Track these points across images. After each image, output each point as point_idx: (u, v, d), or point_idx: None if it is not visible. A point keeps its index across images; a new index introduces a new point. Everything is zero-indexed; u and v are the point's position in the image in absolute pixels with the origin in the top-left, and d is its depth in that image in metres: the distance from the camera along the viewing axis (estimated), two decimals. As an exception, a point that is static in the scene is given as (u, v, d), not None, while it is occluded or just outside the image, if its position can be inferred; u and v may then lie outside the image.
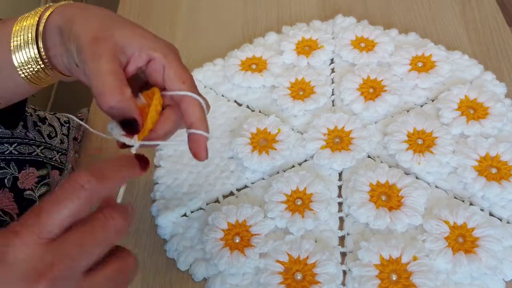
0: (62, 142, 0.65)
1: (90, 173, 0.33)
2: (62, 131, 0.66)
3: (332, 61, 0.70)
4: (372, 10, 0.77)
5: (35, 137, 0.62)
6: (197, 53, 0.74)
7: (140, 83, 0.45)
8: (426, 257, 0.50)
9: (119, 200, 0.38)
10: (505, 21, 0.73)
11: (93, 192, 0.33)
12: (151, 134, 0.41)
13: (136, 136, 0.40)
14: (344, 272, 0.51)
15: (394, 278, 0.48)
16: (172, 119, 0.42)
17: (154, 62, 0.43)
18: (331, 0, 0.79)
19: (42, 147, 0.62)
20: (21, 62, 0.44)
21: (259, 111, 0.65)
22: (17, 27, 0.45)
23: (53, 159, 0.62)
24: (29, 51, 0.44)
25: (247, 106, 0.66)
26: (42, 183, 0.60)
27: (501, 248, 0.50)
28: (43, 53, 0.44)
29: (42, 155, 0.61)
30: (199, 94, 0.44)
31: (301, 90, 0.66)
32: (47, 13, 0.44)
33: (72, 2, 0.46)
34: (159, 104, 0.42)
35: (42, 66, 0.45)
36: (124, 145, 0.41)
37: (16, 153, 0.59)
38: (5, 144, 0.59)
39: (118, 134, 0.40)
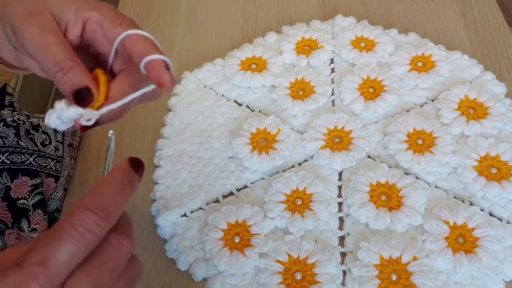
0: (56, 149, 0.64)
1: (96, 215, 0.31)
2: (56, 138, 0.65)
3: (332, 61, 0.70)
4: (372, 10, 0.77)
5: (27, 146, 0.60)
6: (197, 53, 0.74)
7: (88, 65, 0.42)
8: (426, 257, 0.49)
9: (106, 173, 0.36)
10: (505, 21, 0.73)
11: (101, 233, 0.32)
12: (107, 102, 0.38)
13: (90, 108, 0.37)
14: (344, 272, 0.51)
15: (394, 278, 0.48)
16: (126, 80, 0.39)
17: (89, 22, 0.40)
18: (331, 0, 0.79)
19: (35, 155, 0.60)
20: None
21: (259, 111, 0.65)
22: None
23: (48, 167, 0.61)
24: None
25: (247, 106, 0.66)
26: (36, 192, 0.59)
27: (501, 248, 0.50)
28: None
29: (35, 164, 0.60)
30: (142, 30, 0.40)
31: (301, 90, 0.65)
32: None
33: None
34: (105, 82, 0.38)
35: None
36: (85, 128, 0.37)
37: (8, 162, 0.58)
38: None
39: (74, 111, 0.36)
